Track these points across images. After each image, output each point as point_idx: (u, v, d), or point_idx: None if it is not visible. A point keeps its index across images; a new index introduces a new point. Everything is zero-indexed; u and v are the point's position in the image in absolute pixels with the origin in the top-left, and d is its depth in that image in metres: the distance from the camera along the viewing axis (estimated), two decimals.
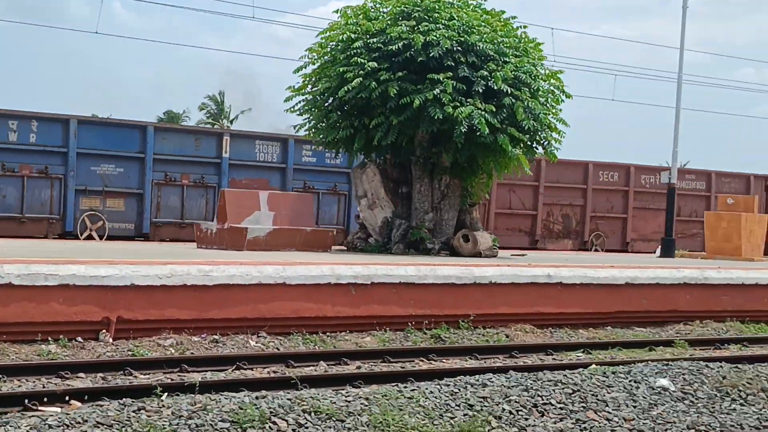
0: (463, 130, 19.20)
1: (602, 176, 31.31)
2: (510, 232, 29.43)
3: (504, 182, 28.39)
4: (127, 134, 24.29)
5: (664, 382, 10.65)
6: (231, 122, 68.07)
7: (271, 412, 8.45)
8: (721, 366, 11.62)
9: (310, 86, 20.99)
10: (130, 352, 12.49)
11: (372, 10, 20.94)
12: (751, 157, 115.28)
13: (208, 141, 25.27)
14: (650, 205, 31.77)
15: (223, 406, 8.45)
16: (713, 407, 10.14)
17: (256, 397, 8.88)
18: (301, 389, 10.25)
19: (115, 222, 24.20)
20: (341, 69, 19.78)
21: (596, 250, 30.47)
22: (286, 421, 8.37)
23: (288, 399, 8.87)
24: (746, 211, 25.60)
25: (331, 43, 20.76)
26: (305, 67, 20.91)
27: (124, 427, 7.88)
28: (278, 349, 13.50)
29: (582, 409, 9.63)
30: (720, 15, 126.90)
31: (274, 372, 12.03)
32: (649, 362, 11.91)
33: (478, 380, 10.20)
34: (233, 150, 25.31)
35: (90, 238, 23.50)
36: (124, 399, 8.81)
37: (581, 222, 30.77)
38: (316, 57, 20.86)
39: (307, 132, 21.54)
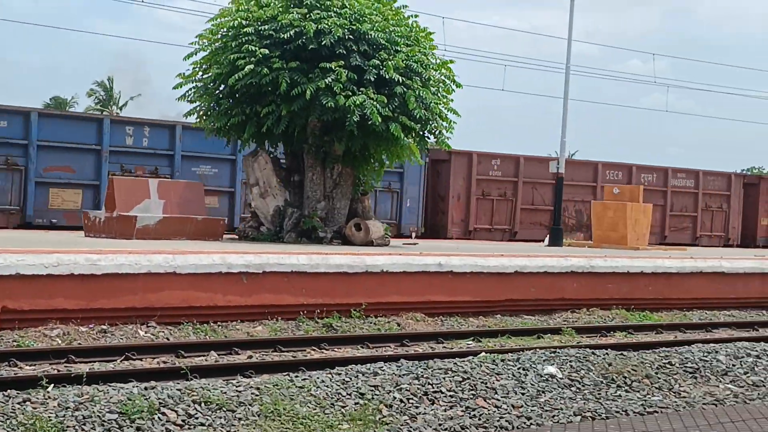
0: (355, 120, 19.22)
1: (608, 175, 33.65)
2: (532, 225, 31.70)
3: (528, 180, 31.21)
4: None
5: (551, 369, 10.83)
6: (120, 109, 66.93)
7: (160, 403, 8.36)
8: (607, 353, 11.86)
9: (200, 73, 20.77)
10: (15, 343, 12.21)
11: None
12: (638, 146, 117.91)
13: None
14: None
15: (111, 397, 8.33)
16: (599, 394, 10.35)
17: (145, 388, 8.77)
18: (191, 379, 10.16)
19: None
20: (232, 56, 19.62)
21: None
22: (176, 411, 8.28)
23: (177, 389, 8.78)
24: (632, 201, 26.04)
25: (222, 30, 20.57)
26: (195, 54, 20.69)
27: (8, 419, 7.71)
28: (168, 339, 13.35)
29: (472, 396, 9.73)
30: (608, 7, 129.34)
31: (164, 362, 11.90)
32: (538, 350, 12.08)
33: (369, 369, 10.23)
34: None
35: None
36: (8, 391, 8.61)
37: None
38: (206, 43, 20.65)
39: (198, 119, 21.32)
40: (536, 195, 31.72)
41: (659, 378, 11.19)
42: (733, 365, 12.09)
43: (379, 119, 19.21)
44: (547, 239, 27.18)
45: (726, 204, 36.91)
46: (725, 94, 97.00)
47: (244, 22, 20.07)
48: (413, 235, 27.72)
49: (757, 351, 12.89)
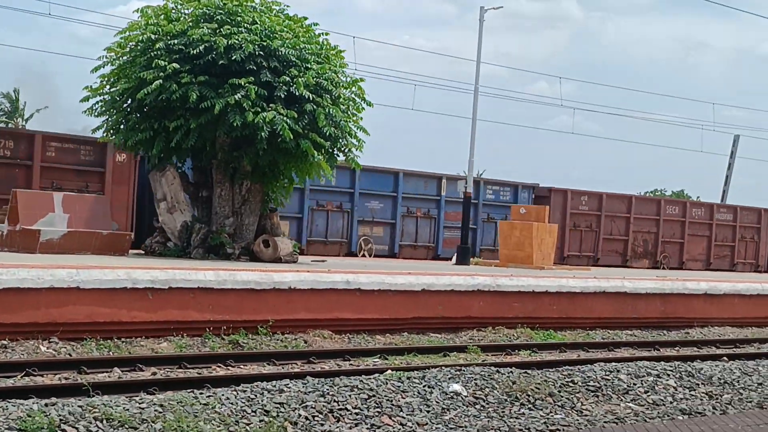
0: (264, 136, 19.15)
1: (668, 209, 38.20)
2: (610, 252, 35.80)
3: (608, 214, 35.40)
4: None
5: (456, 387, 10.89)
6: (26, 121, 65.68)
7: (60, 420, 8.20)
8: (511, 371, 11.97)
9: (108, 86, 20.50)
10: None
11: (173, 11, 20.64)
12: (544, 167, 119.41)
13: None
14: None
15: (10, 414, 8.15)
16: (503, 412, 10.44)
17: (46, 404, 8.61)
18: (93, 396, 9.99)
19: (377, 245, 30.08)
20: (141, 72, 19.43)
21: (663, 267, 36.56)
22: (77, 428, 8.14)
23: (79, 406, 8.63)
24: (538, 221, 26.28)
25: (130, 44, 20.35)
26: (103, 67, 20.42)
27: None
28: (70, 355, 13.12)
29: (377, 414, 9.74)
30: (517, 29, 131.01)
31: (66, 378, 11.69)
32: (443, 368, 12.14)
33: (275, 386, 10.18)
34: None
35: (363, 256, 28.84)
36: None
37: (655, 245, 37.25)
38: (114, 57, 20.40)
39: (105, 133, 21.04)
40: (614, 227, 35.95)
41: (562, 396, 11.33)
42: (634, 384, 12.29)
43: (290, 135, 19.18)
44: (454, 258, 27.35)
45: (757, 235, 40.71)
46: (630, 118, 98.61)
47: (153, 36, 19.89)
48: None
49: (657, 370, 13.13)
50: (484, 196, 32.68)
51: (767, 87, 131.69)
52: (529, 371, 12.25)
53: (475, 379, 11.30)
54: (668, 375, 12.95)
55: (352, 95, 21.12)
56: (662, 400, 11.80)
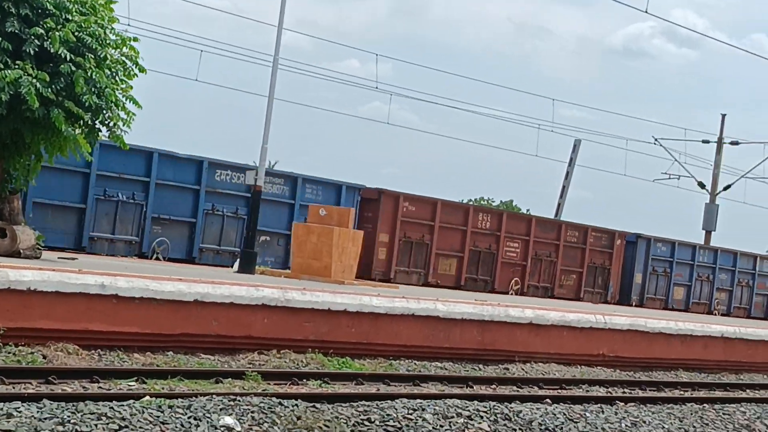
0: (5, 99, 18.67)
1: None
2: (444, 271, 36.32)
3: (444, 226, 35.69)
4: None
5: (228, 420, 10.88)
6: None
7: None
8: (296, 404, 12.04)
9: None
10: None
11: None
12: (353, 162, 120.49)
13: None
14: None
15: None
16: None
17: None
18: None
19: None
20: None
21: None
22: None
23: None
24: (340, 225, 26.34)
25: None
26: None
27: None
28: None
29: None
30: None
31: None
32: (215, 396, 12.12)
33: (2, 409, 9.94)
34: None
35: None
36: None
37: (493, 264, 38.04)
38: None
39: None
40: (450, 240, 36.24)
41: None
42: (441, 426, 12.56)
43: (37, 102, 18.75)
44: (236, 264, 27.25)
45: (608, 261, 42.15)
46: (456, 110, 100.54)
47: None
48: None
49: (469, 411, 13.45)
50: (302, 196, 32.78)
51: (612, 85, 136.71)
52: (318, 405, 12.35)
53: (252, 412, 11.32)
54: (481, 417, 13.28)
55: (122, 57, 20.82)
56: None
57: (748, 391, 23.87)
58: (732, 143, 55.87)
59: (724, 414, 17.05)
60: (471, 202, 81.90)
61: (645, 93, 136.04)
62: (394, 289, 26.42)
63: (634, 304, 42.66)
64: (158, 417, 10.62)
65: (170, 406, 11.11)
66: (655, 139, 53.29)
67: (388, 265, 34.21)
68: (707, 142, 55.71)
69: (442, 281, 35.90)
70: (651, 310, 38.82)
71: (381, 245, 34.23)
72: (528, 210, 79.29)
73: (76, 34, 19.62)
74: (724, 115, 55.92)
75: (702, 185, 55.49)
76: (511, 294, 37.29)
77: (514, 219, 40.28)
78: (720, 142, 55.86)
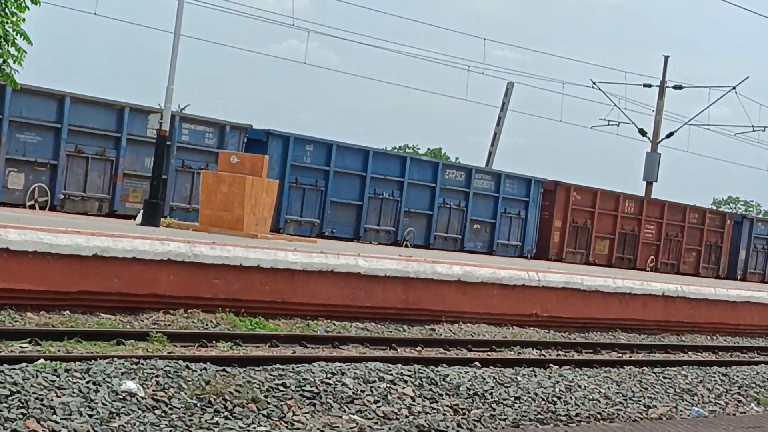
0: None
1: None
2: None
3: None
4: None
5: (131, 385, 10.84)
6: None
7: None
8: (205, 368, 12.02)
9: None
10: None
11: None
12: (266, 106, 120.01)
13: None
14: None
15: None
16: (191, 420, 10.48)
17: None
18: None
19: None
20: None
21: None
22: None
23: None
24: (253, 175, 26.21)
25: None
26: None
27: None
28: None
29: (21, 416, 9.58)
30: None
31: None
32: (116, 359, 12.06)
33: None
34: None
35: None
36: None
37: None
38: None
39: None
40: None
41: (269, 403, 11.48)
42: (362, 391, 12.60)
43: None
44: (140, 216, 27.07)
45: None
46: (378, 50, 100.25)
47: None
48: None
49: (392, 375, 13.51)
50: (179, 136, 32.34)
51: (546, 24, 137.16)
52: (228, 369, 12.34)
53: (156, 377, 11.28)
54: (405, 382, 13.35)
55: None
56: (395, 413, 12.16)
57: (690, 353, 24.22)
58: (675, 87, 56.26)
59: (664, 378, 17.27)
60: (396, 150, 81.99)
61: (581, 33, 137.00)
62: (312, 243, 26.42)
63: (738, 278, 51.12)
64: (54, 381, 10.55)
65: (67, 370, 11.04)
66: (594, 83, 53.55)
67: (561, 246, 43.45)
68: (649, 86, 56.05)
69: (598, 260, 44.53)
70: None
71: (555, 230, 43.51)
72: (457, 158, 79.36)
73: None
74: (666, 57, 56.23)
75: (643, 132, 55.93)
76: (648, 270, 43.96)
77: (652, 204, 48.29)
78: (662, 86, 56.23)
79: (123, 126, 30.77)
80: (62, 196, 29.87)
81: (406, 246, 37.25)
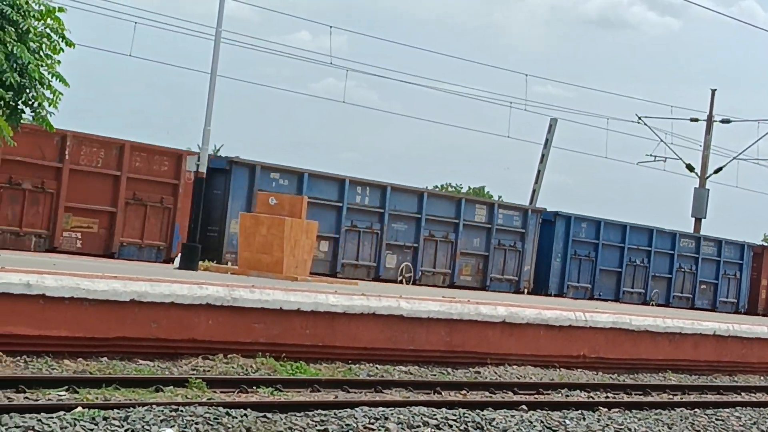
0: None
1: None
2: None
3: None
4: None
5: None
6: None
7: None
8: (245, 414, 12.03)
9: None
10: None
11: None
12: (306, 147, 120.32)
13: None
14: None
15: None
16: None
17: None
18: None
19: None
20: None
21: None
22: None
23: None
24: (292, 216, 26.31)
25: None
26: None
27: None
28: None
29: None
30: None
31: None
32: (154, 406, 12.09)
33: None
34: None
35: None
36: None
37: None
38: None
39: None
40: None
41: None
42: None
43: None
44: (177, 259, 27.16)
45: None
46: (415, 86, 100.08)
47: None
48: None
49: (437, 419, 13.48)
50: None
51: (589, 59, 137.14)
52: (269, 415, 12.35)
53: (196, 423, 11.30)
54: (450, 426, 13.31)
55: (47, 30, 20.68)
56: None
57: (743, 394, 24.03)
58: (723, 121, 56.05)
59: (717, 420, 17.16)
60: (438, 189, 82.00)
61: (626, 67, 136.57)
62: (353, 285, 26.41)
63: None
64: (92, 430, 10.59)
65: (105, 418, 11.07)
66: (639, 118, 53.47)
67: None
68: (696, 120, 55.84)
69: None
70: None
71: (764, 288, 49.95)
72: (500, 197, 79.38)
73: None
74: (713, 91, 56.07)
75: (691, 168, 55.72)
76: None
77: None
78: (710, 121, 56.03)
79: (460, 214, 38.29)
80: (420, 273, 37.17)
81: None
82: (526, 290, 40.68)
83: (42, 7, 20.80)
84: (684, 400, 20.91)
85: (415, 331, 21.97)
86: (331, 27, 47.55)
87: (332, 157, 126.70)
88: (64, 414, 11.18)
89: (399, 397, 17.80)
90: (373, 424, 12.68)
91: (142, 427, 10.90)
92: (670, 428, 15.83)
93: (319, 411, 13.27)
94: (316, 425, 12.28)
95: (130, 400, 14.23)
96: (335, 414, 12.94)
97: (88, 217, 29.89)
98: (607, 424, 15.19)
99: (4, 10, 19.65)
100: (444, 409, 14.24)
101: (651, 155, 55.22)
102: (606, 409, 17.70)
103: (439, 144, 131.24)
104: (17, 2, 19.96)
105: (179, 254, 27.41)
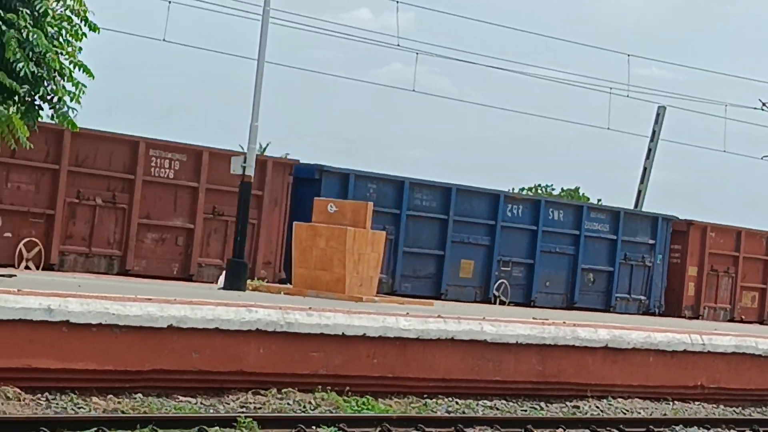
0: None
1: None
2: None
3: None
4: None
5: None
6: None
7: None
8: None
9: None
10: None
11: None
12: (368, 143, 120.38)
13: None
14: None
15: None
16: None
17: None
18: None
19: None
20: None
21: None
22: None
23: None
24: (355, 225, 26.12)
25: None
26: None
27: None
28: None
29: None
30: None
31: None
32: None
33: None
34: None
35: None
36: None
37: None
38: None
39: None
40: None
41: None
42: None
43: None
44: (221, 279, 27.19)
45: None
46: (496, 70, 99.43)
47: None
48: None
49: None
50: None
51: (703, 36, 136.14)
52: None
53: None
54: None
55: (67, 12, 20.82)
56: None
57: None
58: None
59: None
60: (524, 191, 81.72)
61: (747, 45, 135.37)
62: (428, 306, 26.33)
63: None
64: None
65: None
66: (763, 104, 53.02)
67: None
68: None
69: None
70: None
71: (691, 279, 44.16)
72: (599, 200, 78.86)
73: None
74: None
75: None
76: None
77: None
78: None
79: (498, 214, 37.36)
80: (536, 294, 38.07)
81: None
82: (657, 311, 40.64)
83: None
84: None
85: (502, 358, 21.92)
86: (397, 2, 47.57)
87: (399, 155, 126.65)
88: None
89: None
90: None
91: None
92: None
93: None
94: None
95: None
96: None
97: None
98: None
99: None
100: None
101: None
102: None
103: (523, 137, 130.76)
104: None
105: (223, 272, 27.43)
